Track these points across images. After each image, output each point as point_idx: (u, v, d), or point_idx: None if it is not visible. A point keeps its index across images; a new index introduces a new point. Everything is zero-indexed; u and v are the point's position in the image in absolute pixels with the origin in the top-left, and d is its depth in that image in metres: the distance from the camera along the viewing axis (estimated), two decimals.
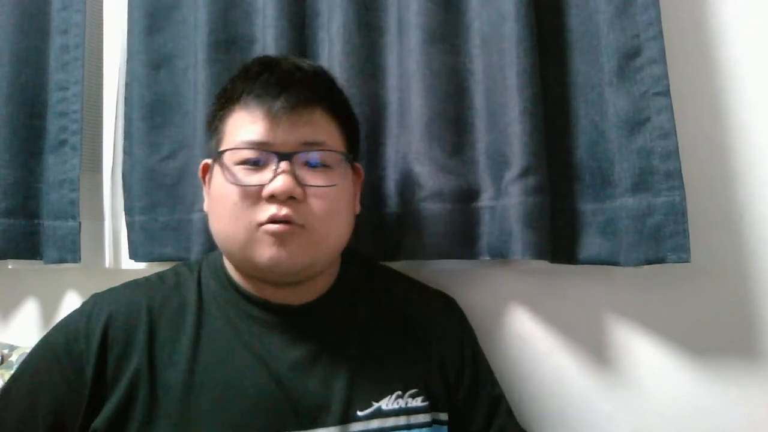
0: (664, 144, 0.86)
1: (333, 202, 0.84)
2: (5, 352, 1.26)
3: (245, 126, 0.83)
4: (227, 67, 1.15)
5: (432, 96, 1.01)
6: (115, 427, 0.76)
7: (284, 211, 0.79)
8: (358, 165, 0.94)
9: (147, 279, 0.91)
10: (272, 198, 0.79)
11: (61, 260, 1.27)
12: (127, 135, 1.27)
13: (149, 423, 0.76)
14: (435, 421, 0.86)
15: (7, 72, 1.34)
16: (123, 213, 1.29)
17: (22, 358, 1.21)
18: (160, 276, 0.91)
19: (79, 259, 1.25)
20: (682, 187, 0.85)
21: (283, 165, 0.80)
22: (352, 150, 0.92)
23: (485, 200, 1.01)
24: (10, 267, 1.39)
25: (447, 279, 1.06)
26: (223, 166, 0.83)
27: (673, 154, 0.86)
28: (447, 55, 1.03)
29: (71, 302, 1.39)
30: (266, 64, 0.87)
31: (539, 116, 0.95)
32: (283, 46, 1.11)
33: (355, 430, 0.80)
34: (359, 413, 0.81)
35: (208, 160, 0.91)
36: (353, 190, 0.92)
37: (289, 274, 0.83)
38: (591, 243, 0.94)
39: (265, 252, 0.79)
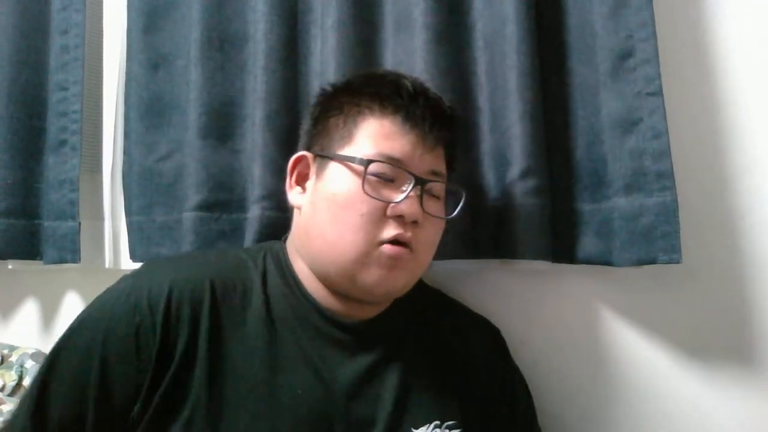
0: (656, 144, 0.87)
1: (438, 234, 0.86)
2: (5, 352, 1.27)
3: (387, 140, 0.81)
4: (220, 66, 1.16)
5: (441, 95, 1.01)
6: (160, 413, 0.74)
7: (409, 233, 0.79)
8: None
9: (203, 254, 0.90)
10: (398, 218, 0.79)
11: (61, 260, 1.27)
12: (126, 135, 1.27)
13: (194, 417, 0.74)
14: None
15: (7, 72, 1.34)
16: (122, 213, 1.29)
17: (25, 359, 1.23)
18: (218, 255, 0.90)
19: (79, 259, 1.26)
20: (673, 187, 0.85)
21: (417, 190, 0.80)
22: None
23: (489, 200, 1.02)
24: (10, 267, 1.39)
25: (447, 279, 1.07)
26: (355, 171, 0.80)
27: (665, 154, 0.86)
28: (452, 55, 1.03)
29: (71, 302, 1.39)
30: (414, 85, 0.85)
31: (539, 118, 0.95)
32: (273, 42, 1.10)
33: None
34: None
35: (307, 153, 0.88)
36: None
37: (383, 297, 0.84)
38: (588, 243, 0.95)
39: (376, 272, 0.79)
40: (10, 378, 1.22)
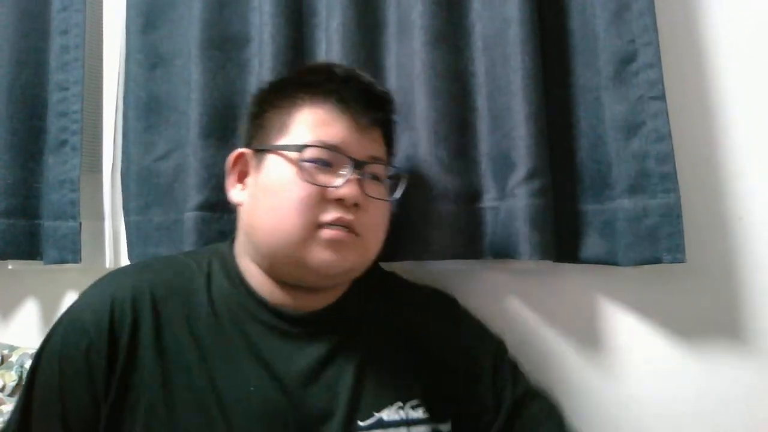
0: (660, 147, 0.88)
1: (383, 216, 0.88)
2: (5, 352, 1.26)
3: (322, 126, 0.83)
4: (221, 65, 1.16)
5: (437, 97, 1.02)
6: (115, 421, 0.76)
7: (350, 216, 0.80)
8: None
9: (147, 264, 0.90)
10: (339, 201, 0.80)
11: (62, 260, 1.27)
12: (124, 134, 1.27)
13: (149, 425, 0.76)
14: None
15: (7, 72, 1.34)
16: (122, 213, 1.30)
17: (25, 359, 1.23)
18: (164, 261, 0.91)
19: (80, 259, 1.26)
20: (677, 189, 0.87)
21: (356, 173, 0.82)
22: None
23: (487, 201, 1.03)
24: (10, 267, 1.38)
25: (447, 279, 1.07)
26: (289, 159, 0.82)
27: (669, 157, 0.87)
28: (451, 56, 1.04)
29: (71, 303, 1.39)
30: (346, 71, 0.89)
31: (543, 119, 0.96)
32: (280, 44, 1.11)
33: None
34: (360, 423, 0.81)
35: (245, 150, 0.89)
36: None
37: (332, 278, 0.84)
38: (591, 243, 0.96)
39: (321, 253, 0.80)
40: (10, 378, 1.21)
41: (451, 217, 1.01)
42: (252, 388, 0.79)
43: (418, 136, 1.03)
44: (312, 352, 0.83)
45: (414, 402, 0.84)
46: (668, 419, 0.96)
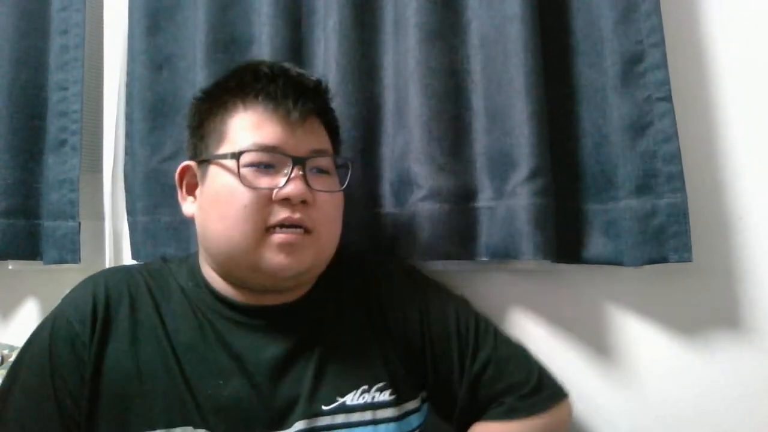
0: (667, 147, 0.89)
1: (336, 208, 0.88)
2: (5, 352, 1.26)
3: (257, 129, 0.83)
4: (226, 67, 1.14)
5: (431, 95, 1.02)
6: (89, 415, 0.78)
7: (297, 214, 0.80)
8: None
9: (127, 267, 0.92)
10: (285, 201, 0.80)
11: (61, 260, 1.27)
12: (129, 135, 1.27)
13: (120, 419, 0.77)
14: (406, 413, 0.87)
15: (7, 72, 1.34)
16: (123, 213, 1.29)
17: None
18: (143, 265, 0.93)
19: (79, 259, 1.25)
20: (684, 189, 0.88)
21: (297, 170, 0.81)
22: None
23: (483, 201, 1.02)
24: (10, 267, 1.38)
25: (447, 280, 1.06)
26: (227, 167, 0.82)
27: (676, 157, 0.88)
28: (445, 54, 1.04)
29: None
30: (272, 68, 0.87)
31: (545, 118, 0.96)
32: (278, 45, 1.11)
33: (320, 424, 0.81)
34: (324, 408, 0.82)
35: (190, 162, 0.90)
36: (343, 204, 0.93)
37: (289, 280, 0.84)
38: (594, 243, 0.96)
39: (274, 258, 0.80)
40: None
41: (444, 217, 1.00)
42: (221, 382, 0.80)
43: (411, 135, 1.03)
44: (279, 345, 0.84)
45: (380, 384, 0.85)
46: (671, 418, 0.96)
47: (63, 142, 1.30)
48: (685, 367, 0.96)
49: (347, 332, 0.89)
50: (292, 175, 0.80)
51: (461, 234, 1.01)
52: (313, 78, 0.90)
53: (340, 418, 0.82)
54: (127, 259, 1.28)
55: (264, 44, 1.12)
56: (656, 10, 0.90)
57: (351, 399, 0.83)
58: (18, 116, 1.33)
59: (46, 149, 1.33)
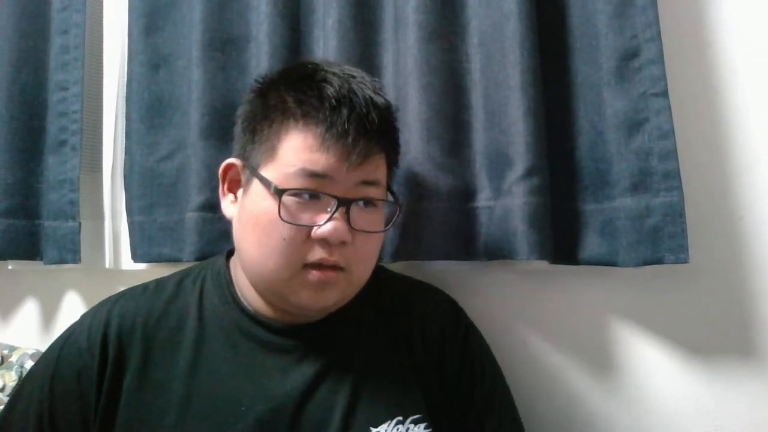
0: (663, 144, 0.87)
1: (374, 246, 0.84)
2: (5, 352, 1.26)
3: (312, 153, 0.77)
4: (222, 66, 1.16)
5: (430, 94, 1.01)
6: None
7: (335, 257, 0.77)
8: None
9: (145, 287, 0.89)
10: (323, 241, 0.76)
11: (61, 261, 1.27)
12: (128, 135, 1.26)
13: None
14: None
15: (7, 72, 1.34)
16: (123, 213, 1.29)
17: (24, 359, 1.23)
18: (158, 284, 0.90)
19: (79, 259, 1.25)
20: (680, 187, 0.86)
21: (341, 211, 0.77)
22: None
23: (482, 200, 1.01)
24: (10, 267, 1.39)
25: (447, 280, 1.06)
26: (272, 194, 0.77)
27: (672, 154, 0.86)
28: (444, 52, 1.03)
29: (71, 302, 1.39)
30: (339, 93, 0.78)
31: (542, 116, 0.95)
32: (276, 43, 1.10)
33: None
34: None
35: (235, 161, 0.86)
36: None
37: (319, 313, 0.83)
38: (590, 244, 0.95)
39: (305, 294, 0.78)
40: (10, 378, 1.21)
41: (443, 217, 0.99)
42: (242, 408, 0.78)
43: (410, 134, 1.02)
44: (307, 369, 0.82)
45: (415, 417, 0.82)
46: (668, 420, 0.95)
47: (63, 142, 1.30)
48: (683, 367, 0.94)
49: (381, 356, 0.86)
50: (336, 215, 0.76)
51: (460, 234, 1.00)
52: (383, 103, 0.82)
53: None
54: (127, 260, 1.28)
55: (262, 43, 1.11)
56: (652, 4, 0.88)
57: (385, 430, 0.80)
58: (18, 116, 1.34)
59: (46, 149, 1.33)
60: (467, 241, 1.00)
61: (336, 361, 0.83)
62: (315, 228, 0.76)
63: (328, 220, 0.76)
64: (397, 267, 1.04)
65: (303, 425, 0.78)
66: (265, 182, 0.78)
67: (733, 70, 0.93)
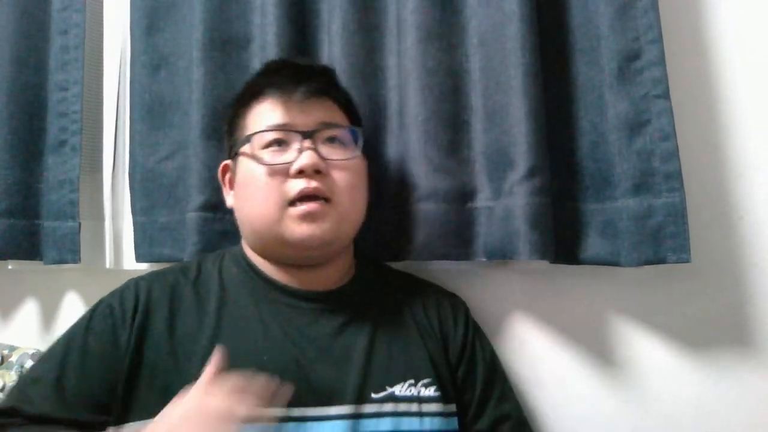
0: (665, 146, 0.87)
1: (353, 175, 0.91)
2: (5, 352, 1.26)
3: (267, 114, 0.90)
4: (222, 66, 1.16)
5: (428, 94, 1.02)
6: (132, 391, 0.81)
7: (313, 184, 0.85)
8: (363, 155, 0.96)
9: (170, 268, 0.96)
10: (300, 173, 0.85)
11: (61, 261, 1.27)
12: (131, 136, 1.26)
13: (166, 391, 0.77)
14: (445, 413, 0.87)
15: (7, 72, 1.34)
16: (123, 213, 1.30)
17: (24, 359, 1.22)
18: (182, 267, 0.96)
19: (79, 259, 1.25)
20: (682, 188, 0.86)
21: (307, 142, 0.87)
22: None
23: (481, 201, 1.01)
24: (10, 267, 1.39)
25: (447, 280, 1.06)
26: (249, 153, 0.89)
27: (673, 155, 0.87)
28: (443, 53, 1.03)
29: (71, 303, 1.39)
30: (280, 62, 0.98)
31: (543, 117, 0.95)
32: (284, 45, 1.11)
33: (369, 410, 0.82)
34: (373, 395, 0.83)
35: (228, 161, 0.98)
36: (366, 173, 0.96)
37: (316, 249, 0.88)
38: (591, 244, 0.95)
39: (297, 229, 0.85)
40: (10, 378, 1.21)
41: (441, 218, 1.00)
42: (265, 358, 0.83)
43: (409, 135, 1.03)
44: (322, 327, 0.88)
45: (426, 380, 0.87)
46: (671, 418, 0.95)
47: (63, 143, 1.30)
48: (684, 367, 0.95)
49: (393, 331, 0.91)
50: (303, 148, 0.86)
51: (460, 234, 1.01)
52: (322, 66, 0.98)
53: (388, 407, 0.83)
54: (128, 260, 1.28)
55: (270, 44, 1.11)
56: (654, 6, 0.89)
57: (399, 390, 0.85)
58: (18, 116, 1.33)
59: (46, 149, 1.33)
60: (467, 242, 1.01)
61: (348, 323, 0.90)
62: (288, 165, 0.86)
63: (299, 154, 0.86)
64: (398, 267, 1.05)
65: (321, 379, 0.83)
66: (239, 146, 0.91)
67: (732, 72, 0.94)
